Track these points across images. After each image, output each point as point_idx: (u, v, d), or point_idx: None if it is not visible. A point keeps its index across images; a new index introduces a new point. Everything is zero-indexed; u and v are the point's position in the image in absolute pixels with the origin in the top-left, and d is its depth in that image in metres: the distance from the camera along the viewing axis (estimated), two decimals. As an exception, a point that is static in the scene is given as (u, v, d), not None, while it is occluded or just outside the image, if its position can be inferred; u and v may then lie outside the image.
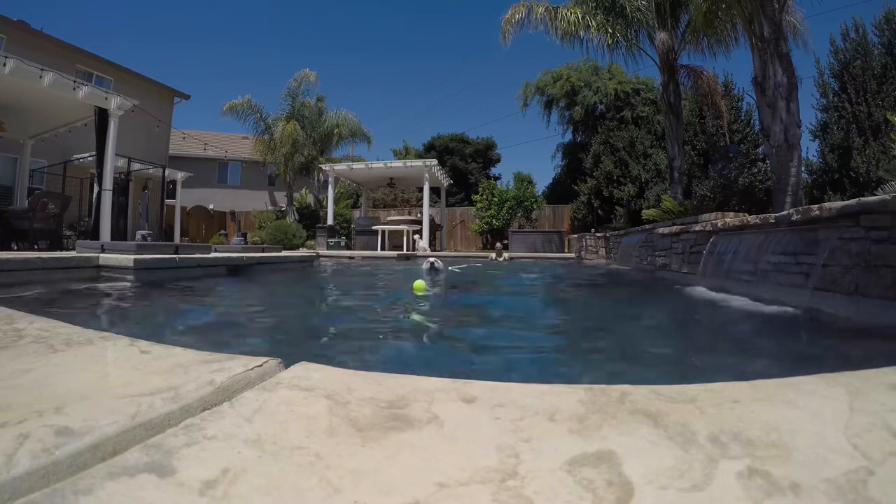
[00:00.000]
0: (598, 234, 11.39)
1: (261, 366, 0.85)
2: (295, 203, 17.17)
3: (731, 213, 4.79)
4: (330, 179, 14.18)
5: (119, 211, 10.75)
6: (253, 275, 5.59)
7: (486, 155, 26.31)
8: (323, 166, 14.78)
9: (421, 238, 11.97)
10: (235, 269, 5.49)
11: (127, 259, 4.23)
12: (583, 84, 19.34)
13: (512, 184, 16.83)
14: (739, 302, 3.01)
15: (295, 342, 2.12)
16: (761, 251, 3.18)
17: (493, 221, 15.36)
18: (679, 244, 5.12)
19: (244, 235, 11.13)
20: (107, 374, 0.83)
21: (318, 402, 0.71)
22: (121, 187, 11.19)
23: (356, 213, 17.11)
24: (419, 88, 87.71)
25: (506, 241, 14.23)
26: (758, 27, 5.12)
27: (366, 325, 2.55)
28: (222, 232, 16.43)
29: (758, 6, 5.07)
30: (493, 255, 10.84)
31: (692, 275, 4.44)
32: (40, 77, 6.74)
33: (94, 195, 7.78)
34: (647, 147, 13.10)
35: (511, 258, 10.97)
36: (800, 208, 2.72)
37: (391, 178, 15.17)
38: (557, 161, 22.14)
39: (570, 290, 5.13)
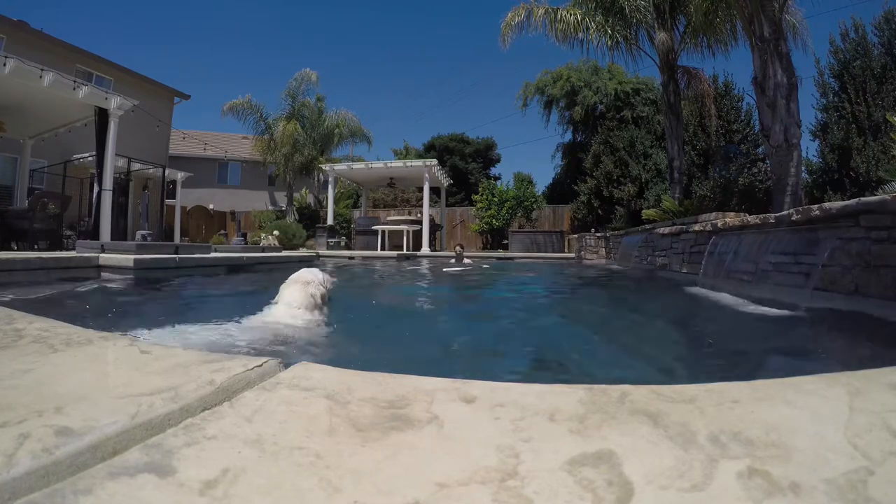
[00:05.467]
0: (598, 234, 11.40)
1: (261, 366, 0.85)
2: (295, 203, 17.16)
3: (732, 213, 4.79)
4: (330, 179, 14.18)
5: (119, 211, 10.76)
6: (253, 274, 5.59)
7: (486, 155, 26.31)
8: (323, 166, 14.77)
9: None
10: (235, 269, 5.49)
11: (127, 259, 4.23)
12: (583, 84, 19.33)
13: (512, 184, 16.81)
14: (740, 302, 3.01)
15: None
16: (761, 251, 3.18)
17: (493, 221, 15.35)
18: (679, 244, 5.12)
19: (244, 235, 11.13)
20: (107, 374, 0.83)
21: (318, 402, 0.71)
22: (121, 187, 11.19)
23: (356, 213, 17.10)
24: (419, 88, 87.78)
25: (506, 241, 14.23)
26: (758, 27, 5.12)
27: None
28: (222, 232, 16.42)
29: (758, 6, 5.07)
30: (454, 258, 8.97)
31: (692, 275, 4.44)
32: (40, 77, 6.74)
33: (94, 195, 7.78)
34: (647, 147, 13.09)
35: (471, 260, 9.24)
36: (800, 208, 2.72)
37: (391, 178, 15.16)
38: (557, 161, 22.17)
39: (570, 290, 5.13)
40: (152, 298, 3.58)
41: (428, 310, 3.79)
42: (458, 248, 9.17)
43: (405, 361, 1.78)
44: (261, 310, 2.09)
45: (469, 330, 2.69)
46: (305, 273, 2.31)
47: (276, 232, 10.90)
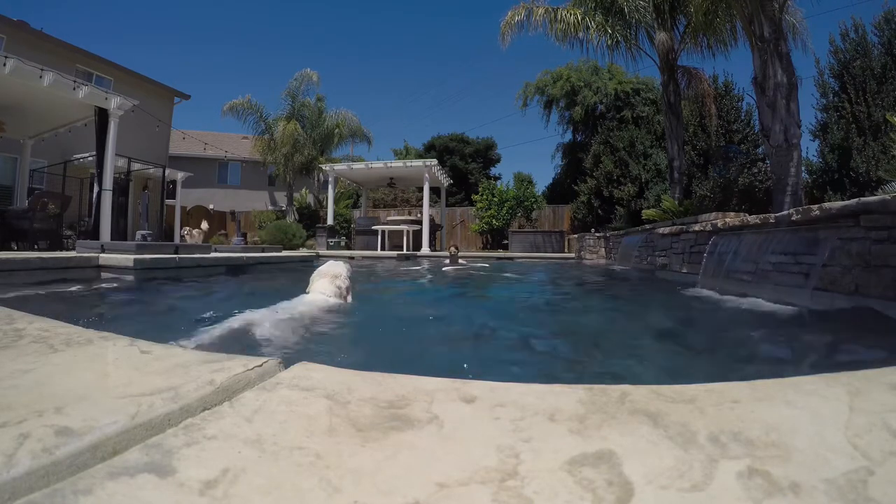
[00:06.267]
0: (598, 234, 11.40)
1: (261, 366, 0.85)
2: (295, 203, 17.17)
3: (732, 213, 4.79)
4: (330, 179, 14.18)
5: (119, 211, 10.76)
6: (253, 274, 5.59)
7: (486, 155, 26.31)
8: (323, 166, 14.77)
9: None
10: (235, 269, 5.49)
11: (127, 259, 4.23)
12: (583, 84, 19.34)
13: (512, 184, 16.83)
14: (740, 302, 3.01)
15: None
16: (761, 251, 3.18)
17: (493, 221, 15.35)
18: (679, 244, 5.12)
19: (244, 235, 11.14)
20: (107, 374, 0.83)
21: (318, 402, 0.71)
22: (121, 187, 11.19)
23: (356, 213, 17.10)
24: (419, 88, 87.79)
25: (506, 242, 14.24)
26: (758, 27, 5.12)
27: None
28: (222, 232, 16.43)
29: (758, 6, 5.07)
30: (448, 259, 8.82)
31: (692, 275, 4.43)
32: (40, 77, 6.74)
33: (94, 195, 7.78)
34: (647, 147, 13.09)
35: (466, 260, 9.20)
36: (800, 208, 2.72)
37: (391, 178, 15.16)
38: (557, 161, 22.18)
39: (571, 290, 5.13)
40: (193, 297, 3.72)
41: (430, 298, 4.36)
42: (452, 248, 9.31)
43: (414, 335, 2.29)
44: (292, 299, 2.43)
45: (466, 318, 2.98)
46: (333, 267, 2.74)
47: (203, 226, 9.16)
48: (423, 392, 0.75)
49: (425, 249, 12.31)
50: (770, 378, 0.80)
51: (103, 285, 3.88)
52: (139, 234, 7.68)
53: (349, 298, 2.65)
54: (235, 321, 1.96)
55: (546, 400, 0.71)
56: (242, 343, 1.77)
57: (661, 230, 5.76)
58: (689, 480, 0.48)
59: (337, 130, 17.45)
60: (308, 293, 2.55)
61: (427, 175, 13.24)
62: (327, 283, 2.58)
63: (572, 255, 12.33)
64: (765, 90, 5.10)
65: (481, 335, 2.33)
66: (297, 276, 5.87)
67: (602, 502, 0.44)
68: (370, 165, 13.94)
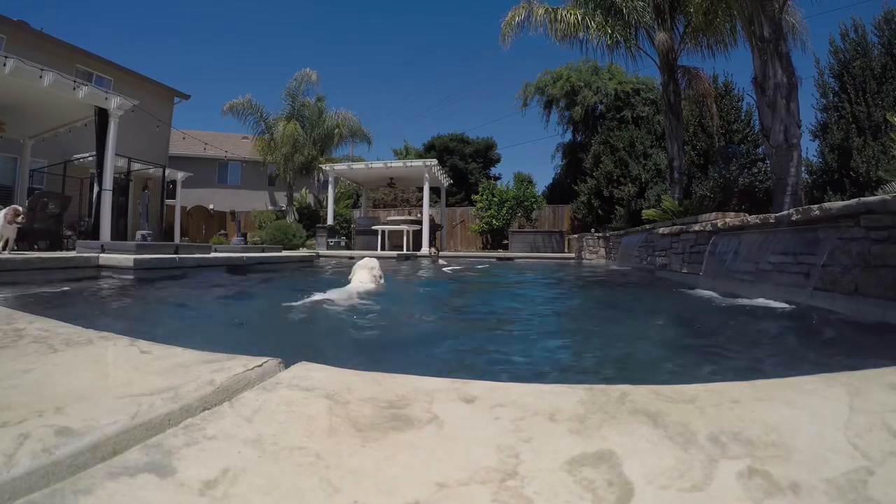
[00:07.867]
0: (598, 234, 11.40)
1: (261, 366, 0.85)
2: (295, 203, 17.15)
3: (732, 213, 4.79)
4: (330, 179, 14.17)
5: (119, 211, 10.75)
6: (252, 274, 5.58)
7: (486, 155, 26.30)
8: (323, 166, 14.76)
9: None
10: (235, 269, 5.49)
11: (127, 259, 4.23)
12: (583, 84, 19.32)
13: (512, 184, 16.81)
14: (740, 301, 3.01)
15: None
16: (762, 251, 3.18)
17: (493, 221, 15.35)
18: (679, 244, 5.13)
19: (244, 235, 11.14)
20: (107, 374, 0.83)
21: (318, 402, 0.71)
22: (121, 187, 11.18)
23: (356, 213, 17.09)
24: (420, 88, 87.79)
25: (506, 242, 14.24)
26: (758, 27, 5.12)
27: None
28: (222, 232, 16.43)
29: (758, 6, 5.07)
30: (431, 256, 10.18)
31: (693, 275, 4.44)
32: (40, 77, 6.74)
33: (94, 195, 7.77)
34: (647, 147, 13.08)
35: (446, 260, 10.16)
36: (800, 208, 2.72)
37: (391, 178, 15.16)
38: (557, 161, 22.16)
39: (572, 289, 5.13)
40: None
41: (438, 285, 5.44)
42: (433, 249, 9.98)
43: (431, 301, 3.76)
44: (342, 285, 3.37)
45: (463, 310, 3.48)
46: (368, 261, 3.64)
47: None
48: (423, 392, 0.75)
49: (425, 249, 12.30)
50: (770, 378, 0.80)
51: (102, 285, 3.87)
52: (139, 234, 7.69)
53: (382, 283, 3.53)
54: (316, 296, 2.93)
55: (546, 400, 0.71)
56: (324, 310, 2.69)
57: (661, 230, 5.76)
58: (689, 480, 0.48)
59: (337, 130, 17.43)
60: (351, 282, 3.40)
61: (427, 175, 13.23)
62: (366, 274, 3.47)
63: (572, 255, 12.33)
64: (765, 90, 5.10)
65: (473, 305, 3.36)
66: (302, 275, 5.88)
67: (602, 502, 0.44)
68: (370, 165, 13.93)
